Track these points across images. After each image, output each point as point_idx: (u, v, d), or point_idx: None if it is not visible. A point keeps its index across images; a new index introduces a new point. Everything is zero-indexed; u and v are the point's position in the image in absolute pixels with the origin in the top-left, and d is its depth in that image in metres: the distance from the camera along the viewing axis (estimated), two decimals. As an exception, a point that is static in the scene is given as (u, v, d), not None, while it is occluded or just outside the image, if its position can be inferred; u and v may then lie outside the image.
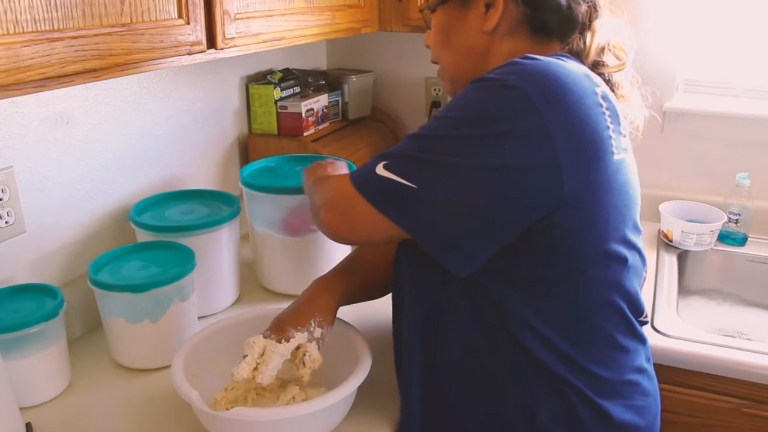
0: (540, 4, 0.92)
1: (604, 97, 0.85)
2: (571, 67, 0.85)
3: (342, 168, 1.19)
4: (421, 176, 0.82)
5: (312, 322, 1.02)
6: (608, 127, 0.83)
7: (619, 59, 0.97)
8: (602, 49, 0.95)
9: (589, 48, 0.93)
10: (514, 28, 0.94)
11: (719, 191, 1.86)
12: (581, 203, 0.82)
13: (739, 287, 1.76)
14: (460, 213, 0.81)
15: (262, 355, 0.98)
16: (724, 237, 1.78)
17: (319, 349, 1.01)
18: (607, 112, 0.84)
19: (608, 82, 0.95)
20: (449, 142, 0.82)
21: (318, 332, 1.02)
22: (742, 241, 1.78)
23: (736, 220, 1.76)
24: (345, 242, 0.97)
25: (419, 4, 1.59)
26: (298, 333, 1.00)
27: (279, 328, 1.01)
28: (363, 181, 0.87)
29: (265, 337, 1.00)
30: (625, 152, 0.87)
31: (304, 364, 0.99)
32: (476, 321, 0.90)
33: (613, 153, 0.84)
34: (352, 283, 1.11)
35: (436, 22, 1.01)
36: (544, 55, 0.89)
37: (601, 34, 0.94)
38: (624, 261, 0.89)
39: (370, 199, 0.85)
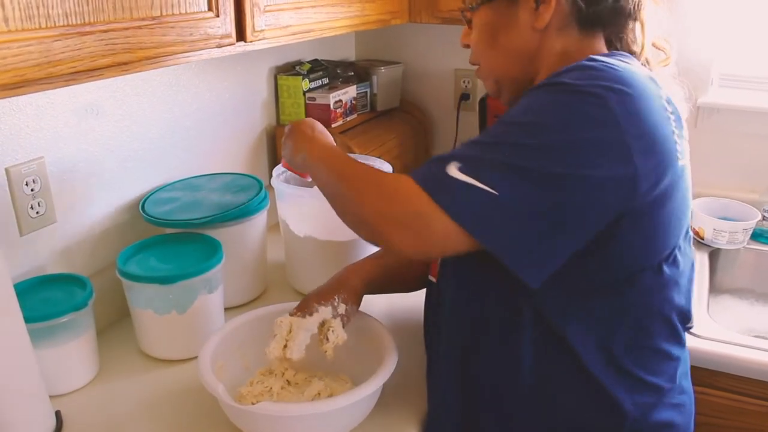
0: None
1: (669, 101, 0.84)
2: (637, 70, 0.83)
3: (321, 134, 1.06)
4: (501, 182, 0.75)
5: (336, 298, 1.04)
6: (674, 132, 0.82)
7: (665, 52, 0.94)
8: (651, 43, 0.93)
9: (643, 43, 0.91)
10: (565, 24, 0.89)
11: (754, 188, 1.82)
12: (649, 211, 0.80)
13: (773, 287, 1.72)
14: (539, 221, 0.76)
15: (290, 332, 1.00)
16: (757, 235, 1.74)
17: (344, 326, 1.03)
18: (672, 117, 0.83)
19: None
20: (528, 149, 0.77)
21: (342, 308, 1.04)
22: (776, 240, 1.74)
23: (771, 218, 1.73)
24: (405, 257, 0.98)
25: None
26: (322, 307, 1.02)
27: (304, 305, 1.03)
28: (436, 184, 0.78)
29: (291, 315, 1.02)
30: (684, 158, 0.85)
31: (327, 339, 1.01)
32: (523, 332, 0.87)
33: (678, 158, 0.82)
34: (380, 272, 1.12)
35: (480, 21, 0.95)
36: (593, 51, 0.87)
37: (649, 26, 0.91)
38: (677, 266, 0.87)
39: (444, 205, 0.76)
